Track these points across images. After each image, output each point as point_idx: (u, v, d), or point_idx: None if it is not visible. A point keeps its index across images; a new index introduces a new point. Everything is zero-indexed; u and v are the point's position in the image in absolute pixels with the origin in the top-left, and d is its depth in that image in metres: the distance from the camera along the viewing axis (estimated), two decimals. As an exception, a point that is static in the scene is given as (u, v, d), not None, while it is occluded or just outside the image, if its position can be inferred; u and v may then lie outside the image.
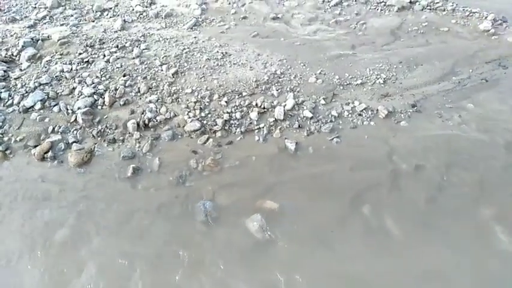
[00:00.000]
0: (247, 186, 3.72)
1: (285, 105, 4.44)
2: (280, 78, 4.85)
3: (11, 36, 5.70)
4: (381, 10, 6.45)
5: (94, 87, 4.66)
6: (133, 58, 5.19)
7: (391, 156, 3.96)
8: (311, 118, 4.34)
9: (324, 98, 4.56)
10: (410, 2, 6.60)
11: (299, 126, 4.26)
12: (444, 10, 6.47)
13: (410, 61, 5.18)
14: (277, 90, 4.65)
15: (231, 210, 3.53)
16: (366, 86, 4.77)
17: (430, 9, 6.49)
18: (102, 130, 4.24)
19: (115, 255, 3.24)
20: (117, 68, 5.01)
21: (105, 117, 4.38)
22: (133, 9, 6.54)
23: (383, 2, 6.63)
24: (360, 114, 4.41)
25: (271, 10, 6.50)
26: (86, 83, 4.75)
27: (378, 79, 4.85)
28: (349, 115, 4.40)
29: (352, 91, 4.72)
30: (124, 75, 4.87)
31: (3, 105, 4.54)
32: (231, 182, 3.77)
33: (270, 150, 4.06)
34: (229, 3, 6.74)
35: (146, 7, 6.61)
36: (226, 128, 4.26)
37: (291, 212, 3.50)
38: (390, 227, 3.39)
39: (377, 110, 4.43)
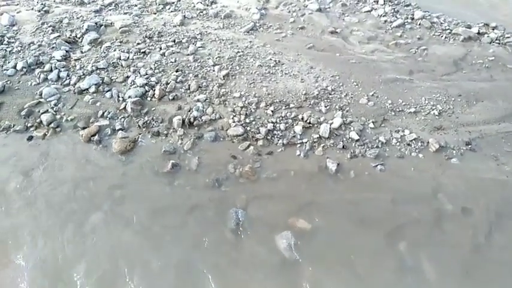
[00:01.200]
0: (282, 200, 3.65)
1: (332, 123, 4.33)
2: (330, 94, 4.73)
3: (77, 18, 5.96)
4: (445, 38, 6.15)
5: (147, 79, 4.77)
6: (188, 55, 5.26)
7: (437, 194, 3.74)
8: (357, 140, 4.19)
9: (373, 122, 4.40)
10: (478, 33, 6.25)
11: (343, 147, 4.13)
12: (515, 46, 6.08)
13: (470, 95, 4.89)
14: (325, 107, 4.54)
15: (262, 222, 3.47)
16: (419, 116, 4.55)
17: (499, 43, 6.11)
18: (148, 121, 4.32)
19: (141, 249, 3.28)
20: (171, 62, 5.10)
21: (152, 109, 4.46)
22: (194, 6, 6.64)
23: (449, 29, 6.32)
24: (409, 144, 4.21)
25: (330, 23, 6.39)
26: (139, 73, 4.87)
27: (433, 110, 4.62)
28: (398, 143, 4.21)
29: (404, 119, 4.51)
30: (177, 71, 4.94)
31: (61, 84, 4.75)
32: (266, 193, 3.72)
33: (309, 167, 3.96)
34: (289, 12, 6.69)
35: (207, 5, 6.70)
36: (268, 137, 4.21)
37: (322, 235, 3.39)
38: (426, 268, 3.20)
39: (428, 142, 4.21)
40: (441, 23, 6.55)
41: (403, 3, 7.12)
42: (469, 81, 5.23)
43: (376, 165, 3.97)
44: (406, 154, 4.12)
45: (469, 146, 4.23)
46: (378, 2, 7.10)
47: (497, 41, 6.16)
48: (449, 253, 3.28)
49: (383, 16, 6.65)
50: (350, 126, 4.34)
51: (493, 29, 6.51)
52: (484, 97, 4.90)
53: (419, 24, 6.49)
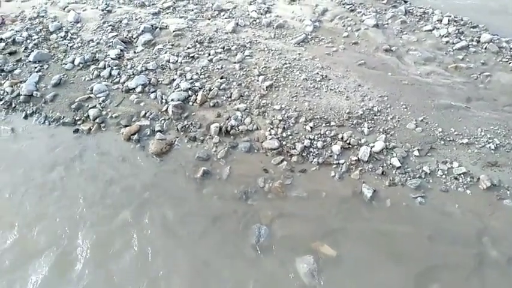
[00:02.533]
0: (309, 222, 3.50)
1: (373, 146, 4.10)
2: (375, 115, 4.49)
3: (136, 19, 6.23)
4: (514, 64, 5.64)
5: (191, 83, 4.84)
6: (235, 63, 5.27)
7: (482, 237, 3.38)
8: (398, 168, 3.92)
9: (418, 149, 4.10)
10: (553, 63, 5.66)
11: (382, 173, 3.89)
12: None
13: (535, 131, 4.41)
14: (368, 128, 4.32)
15: (284, 242, 3.34)
16: (472, 148, 4.17)
17: None
18: (186, 126, 4.37)
19: (160, 253, 3.29)
20: (217, 69, 5.14)
21: (193, 114, 4.51)
22: (248, 14, 6.68)
23: (518, 55, 5.79)
24: (456, 178, 3.86)
25: (386, 41, 6.10)
26: (185, 77, 4.96)
27: (489, 143, 4.21)
28: (443, 176, 3.88)
29: (454, 149, 4.16)
30: (221, 78, 4.97)
31: (111, 82, 4.96)
32: (293, 212, 3.59)
33: (343, 190, 3.76)
34: (344, 26, 6.50)
35: (261, 14, 6.70)
36: (303, 154, 4.07)
37: (347, 265, 3.19)
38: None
39: (478, 178, 3.84)
40: (510, 49, 6.01)
41: (469, 24, 6.64)
42: (536, 115, 4.72)
43: (416, 197, 3.68)
44: (452, 188, 3.78)
45: (527, 188, 3.80)
46: (441, 21, 6.68)
47: None
48: (488, 306, 2.94)
49: (445, 37, 6.23)
50: (392, 152, 4.08)
51: None
52: (550, 135, 4.39)
53: (485, 48, 6.00)
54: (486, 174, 3.87)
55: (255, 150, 4.15)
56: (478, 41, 6.16)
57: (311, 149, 4.11)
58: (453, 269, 3.18)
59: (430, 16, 6.89)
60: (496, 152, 4.15)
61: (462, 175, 3.88)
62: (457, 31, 6.34)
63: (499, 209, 3.62)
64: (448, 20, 6.64)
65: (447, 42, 6.12)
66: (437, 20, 6.73)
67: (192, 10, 6.73)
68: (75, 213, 3.60)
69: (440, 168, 3.94)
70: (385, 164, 3.98)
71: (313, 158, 4.03)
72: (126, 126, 4.40)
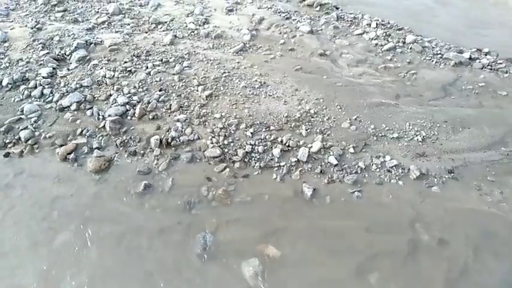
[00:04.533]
0: (253, 226, 3.55)
1: (311, 147, 4.26)
2: (312, 117, 4.68)
3: (69, 36, 6.03)
4: (436, 62, 6.10)
5: (129, 97, 4.76)
6: (174, 74, 5.26)
7: (414, 224, 3.61)
8: (335, 165, 4.11)
9: (353, 147, 4.32)
10: (470, 59, 6.19)
11: (321, 171, 4.05)
12: (507, 72, 5.98)
13: (456, 122, 4.79)
14: (306, 130, 4.48)
15: (230, 248, 3.36)
16: (402, 141, 4.47)
17: (491, 69, 6.04)
18: (125, 141, 4.29)
19: (104, 271, 3.19)
20: (156, 81, 5.11)
21: (131, 128, 4.44)
22: (186, 26, 6.70)
23: (440, 54, 6.28)
24: (389, 171, 4.11)
25: (321, 46, 6.38)
26: (122, 92, 4.87)
27: (416, 136, 4.53)
28: (377, 169, 4.12)
29: (386, 144, 4.43)
30: (160, 90, 4.94)
31: (43, 101, 4.76)
32: (237, 218, 3.62)
33: (285, 191, 3.87)
34: (280, 33, 6.72)
35: (199, 25, 6.75)
36: (245, 160, 4.14)
37: (292, 264, 3.27)
38: (397, 303, 3.06)
39: (409, 169, 4.11)
40: (433, 48, 6.53)
41: (395, 27, 7.13)
42: (457, 107, 5.15)
43: (353, 192, 3.87)
44: (385, 181, 4.02)
45: (452, 174, 4.12)
46: (370, 25, 7.11)
47: (489, 67, 6.10)
48: (422, 287, 3.14)
49: (374, 39, 6.64)
50: (329, 151, 4.26)
51: (486, 55, 6.47)
52: (470, 124, 4.80)
53: (411, 48, 6.47)
54: (415, 165, 4.16)
55: (198, 160, 4.15)
56: (404, 42, 6.63)
57: (253, 154, 4.19)
58: (390, 256, 3.36)
59: (360, 21, 7.33)
60: (423, 144, 4.47)
61: (394, 167, 4.14)
62: (384, 34, 6.78)
63: (428, 196, 3.90)
64: (377, 24, 7.09)
65: (376, 44, 6.52)
66: (367, 24, 7.16)
67: (128, 24, 6.63)
68: (11, 239, 3.40)
69: (374, 163, 4.18)
70: (323, 163, 4.14)
71: (255, 163, 4.11)
72: (61, 145, 4.23)
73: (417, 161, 4.26)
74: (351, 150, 4.29)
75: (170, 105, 4.71)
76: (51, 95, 4.82)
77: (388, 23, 7.22)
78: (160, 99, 4.77)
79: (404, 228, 3.59)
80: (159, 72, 5.29)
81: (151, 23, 6.70)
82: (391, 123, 4.70)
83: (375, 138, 4.48)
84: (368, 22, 7.20)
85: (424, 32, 7.03)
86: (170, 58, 5.63)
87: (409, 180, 4.05)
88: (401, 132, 4.57)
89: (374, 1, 8.56)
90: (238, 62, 5.72)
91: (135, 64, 5.46)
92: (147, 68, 5.39)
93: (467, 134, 4.65)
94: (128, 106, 4.64)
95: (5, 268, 3.21)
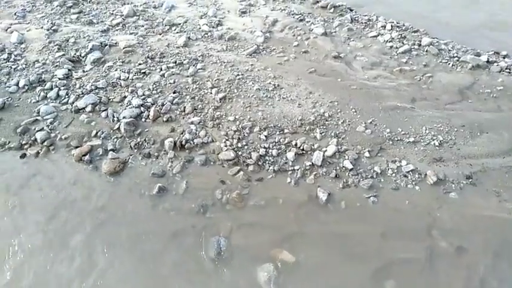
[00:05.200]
0: (267, 230, 3.52)
1: (326, 150, 4.22)
2: (327, 121, 4.63)
3: (84, 38, 6.09)
4: (453, 65, 6.00)
5: (143, 99, 4.78)
6: (187, 76, 5.27)
7: (431, 230, 3.55)
8: (351, 170, 4.06)
9: (369, 151, 4.26)
10: (487, 62, 6.07)
11: (336, 176, 4.00)
12: (526, 75, 5.86)
13: (474, 126, 4.70)
14: (320, 133, 4.44)
15: (244, 252, 3.34)
16: (419, 146, 4.39)
17: (509, 72, 5.92)
18: (140, 143, 4.30)
19: (119, 274, 3.19)
20: (170, 83, 5.12)
21: (146, 130, 4.45)
22: (200, 28, 6.72)
23: (456, 57, 6.17)
24: (405, 176, 4.04)
25: (335, 48, 6.33)
26: (137, 94, 4.89)
27: (433, 140, 4.45)
28: (393, 174, 4.05)
29: (402, 148, 4.36)
30: (174, 92, 4.95)
31: (59, 102, 4.80)
32: (251, 221, 3.60)
33: (299, 196, 3.83)
34: (294, 35, 6.69)
35: (213, 27, 6.76)
36: (259, 163, 4.12)
37: (306, 269, 3.23)
38: (414, 311, 3.00)
39: (426, 174, 4.04)
40: (449, 50, 6.41)
41: (411, 29, 7.03)
42: (474, 111, 5.05)
43: (369, 197, 3.81)
44: (402, 186, 3.95)
45: (470, 180, 4.04)
46: (385, 27, 7.03)
47: (508, 70, 5.97)
48: (440, 296, 3.08)
49: (389, 42, 6.56)
50: (344, 155, 4.21)
51: (504, 58, 6.33)
52: (488, 128, 4.70)
53: (426, 50, 6.37)
54: (432, 170, 4.08)
55: (211, 163, 4.14)
56: (420, 45, 6.53)
57: (266, 157, 4.17)
58: (407, 263, 3.30)
59: (375, 23, 7.25)
60: (441, 148, 4.39)
61: (410, 172, 4.07)
62: (399, 36, 6.69)
63: (446, 202, 3.82)
64: (391, 26, 7.01)
65: (391, 47, 6.44)
66: (382, 26, 7.08)
67: (142, 26, 6.68)
68: (26, 241, 3.43)
69: (390, 168, 4.11)
70: (338, 167, 4.10)
71: (269, 166, 4.09)
72: (76, 147, 4.26)
73: (434, 166, 4.18)
74: (366, 154, 4.23)
75: (184, 107, 4.72)
76: (66, 96, 4.87)
77: (403, 25, 7.13)
78: (174, 102, 4.78)
79: (421, 234, 3.52)
80: (173, 74, 5.31)
81: (165, 25, 6.73)
82: (407, 127, 4.63)
83: (391, 142, 4.42)
84: (383, 24, 7.12)
85: (441, 34, 6.91)
86: (184, 60, 5.64)
87: (426, 185, 3.97)
88: (417, 137, 4.50)
89: (390, 2, 8.46)
90: (251, 65, 5.70)
91: (149, 66, 5.49)
92: (161, 70, 5.41)
93: (485, 139, 4.55)
94: (142, 108, 4.65)
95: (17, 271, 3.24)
